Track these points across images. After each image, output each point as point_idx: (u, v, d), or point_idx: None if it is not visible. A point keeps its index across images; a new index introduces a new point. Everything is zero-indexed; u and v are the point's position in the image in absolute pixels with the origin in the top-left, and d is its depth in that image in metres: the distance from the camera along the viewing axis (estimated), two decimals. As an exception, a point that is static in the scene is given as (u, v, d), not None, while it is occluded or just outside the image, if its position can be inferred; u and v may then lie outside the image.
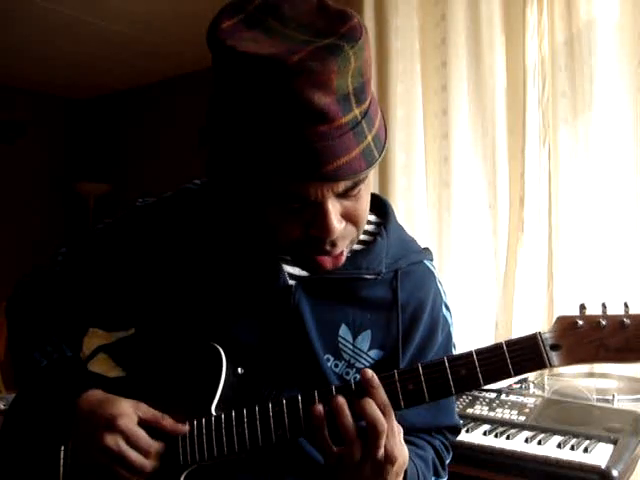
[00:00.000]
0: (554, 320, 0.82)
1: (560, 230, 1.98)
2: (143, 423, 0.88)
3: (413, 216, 2.23)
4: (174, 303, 0.96)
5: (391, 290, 0.97)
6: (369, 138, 0.78)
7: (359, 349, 0.95)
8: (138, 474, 0.86)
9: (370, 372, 0.82)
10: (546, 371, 1.81)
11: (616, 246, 1.87)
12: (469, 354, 0.82)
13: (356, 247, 0.96)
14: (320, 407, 0.82)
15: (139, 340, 1.05)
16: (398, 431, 0.82)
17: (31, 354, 1.00)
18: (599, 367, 1.81)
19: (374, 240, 0.98)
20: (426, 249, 1.06)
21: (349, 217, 0.84)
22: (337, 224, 0.81)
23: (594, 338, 0.79)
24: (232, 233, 0.96)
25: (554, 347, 0.79)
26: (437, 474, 1.01)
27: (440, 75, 2.24)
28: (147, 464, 0.87)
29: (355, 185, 0.80)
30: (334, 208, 0.80)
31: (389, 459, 0.80)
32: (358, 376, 0.92)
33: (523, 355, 0.80)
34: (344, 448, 0.81)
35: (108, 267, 1.03)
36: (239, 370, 0.91)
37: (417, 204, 2.25)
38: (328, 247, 0.84)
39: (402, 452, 0.82)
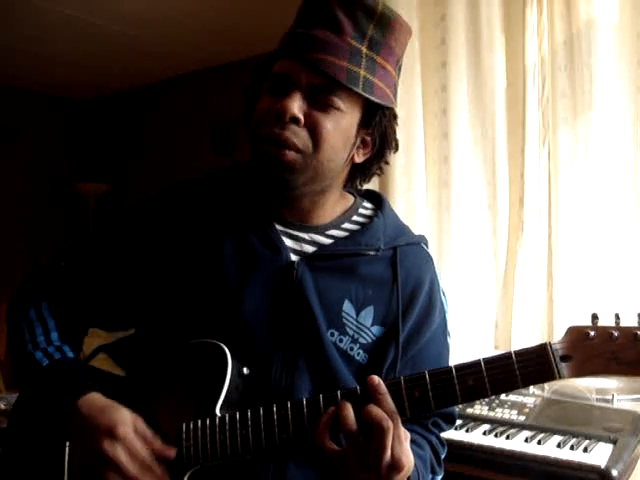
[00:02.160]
0: (565, 330, 0.79)
1: (560, 230, 1.98)
2: (138, 434, 0.87)
3: (413, 216, 2.23)
4: (181, 284, 0.97)
5: (391, 266, 1.00)
6: (362, 72, 0.90)
7: (362, 324, 0.97)
8: None
9: (377, 379, 0.82)
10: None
11: (616, 246, 1.86)
12: (477, 363, 0.80)
13: (354, 227, 1.03)
14: (333, 406, 0.82)
15: (140, 339, 1.05)
16: (405, 437, 0.82)
17: (32, 355, 0.99)
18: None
19: (371, 221, 1.03)
20: (422, 235, 1.10)
21: (310, 124, 0.91)
22: (294, 108, 0.89)
23: (605, 350, 0.76)
24: (236, 211, 0.99)
25: (564, 358, 0.77)
26: (433, 471, 1.01)
27: (440, 75, 2.24)
28: (142, 478, 0.85)
29: (326, 92, 0.90)
30: (298, 98, 0.90)
31: (396, 465, 0.79)
32: (362, 352, 0.96)
33: (532, 366, 0.78)
34: (347, 447, 0.81)
35: (114, 260, 1.04)
36: (244, 370, 0.91)
37: (417, 204, 2.25)
38: (277, 129, 0.90)
39: (409, 460, 0.82)
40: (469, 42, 2.16)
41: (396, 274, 0.99)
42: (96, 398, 0.92)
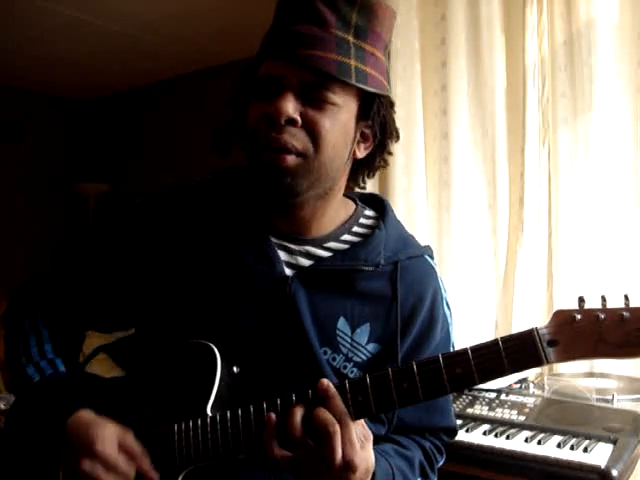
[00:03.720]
0: (551, 314, 0.79)
1: (560, 230, 1.98)
2: (123, 450, 0.86)
3: (413, 216, 2.23)
4: (173, 296, 0.96)
5: (390, 283, 0.96)
6: (352, 63, 0.86)
7: (357, 342, 0.94)
8: None
9: (326, 382, 0.81)
10: (546, 370, 1.81)
11: (616, 246, 1.87)
12: (464, 351, 0.80)
13: (354, 239, 0.98)
14: (273, 415, 0.81)
15: (139, 340, 1.05)
16: (363, 438, 0.80)
17: (24, 369, 0.98)
18: (599, 366, 1.81)
19: (372, 232, 0.99)
20: (427, 246, 1.06)
21: (307, 124, 0.87)
22: (288, 108, 0.85)
23: (592, 333, 0.76)
24: (231, 222, 0.97)
25: (551, 343, 0.77)
26: (425, 475, 1.00)
27: (440, 75, 2.24)
28: None
29: (319, 88, 0.86)
30: (291, 98, 0.86)
31: (349, 467, 0.78)
32: (356, 370, 0.93)
33: (519, 352, 0.77)
34: (296, 452, 0.80)
35: (107, 267, 1.02)
36: (234, 369, 0.91)
37: (417, 204, 2.25)
38: (274, 133, 0.86)
39: (364, 460, 0.80)
40: (469, 42, 2.16)
41: (396, 291, 0.96)
42: (83, 416, 0.90)
